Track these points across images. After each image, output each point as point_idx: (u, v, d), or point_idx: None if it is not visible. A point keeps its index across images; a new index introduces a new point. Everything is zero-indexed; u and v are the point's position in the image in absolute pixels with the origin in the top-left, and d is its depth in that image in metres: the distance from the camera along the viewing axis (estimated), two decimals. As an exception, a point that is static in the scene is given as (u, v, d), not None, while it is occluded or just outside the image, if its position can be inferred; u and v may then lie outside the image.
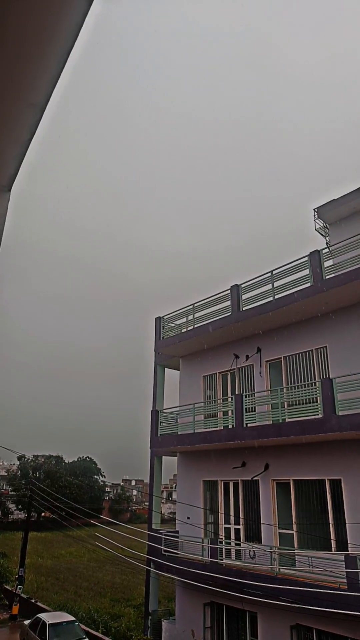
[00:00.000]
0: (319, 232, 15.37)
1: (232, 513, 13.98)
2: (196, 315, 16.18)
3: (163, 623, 15.18)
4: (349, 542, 10.64)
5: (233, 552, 13.44)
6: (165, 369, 18.44)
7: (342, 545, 10.82)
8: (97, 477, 62.16)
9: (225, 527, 14.14)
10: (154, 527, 15.86)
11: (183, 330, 16.69)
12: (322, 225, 15.11)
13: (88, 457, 63.61)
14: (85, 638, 14.87)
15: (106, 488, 65.95)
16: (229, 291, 14.98)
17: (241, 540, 13.39)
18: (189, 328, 16.29)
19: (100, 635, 16.07)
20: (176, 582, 14.89)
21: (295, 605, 10.12)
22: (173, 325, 17.45)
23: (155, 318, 17.89)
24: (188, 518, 14.82)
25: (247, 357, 14.62)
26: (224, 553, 13.19)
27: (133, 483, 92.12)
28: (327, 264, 12.53)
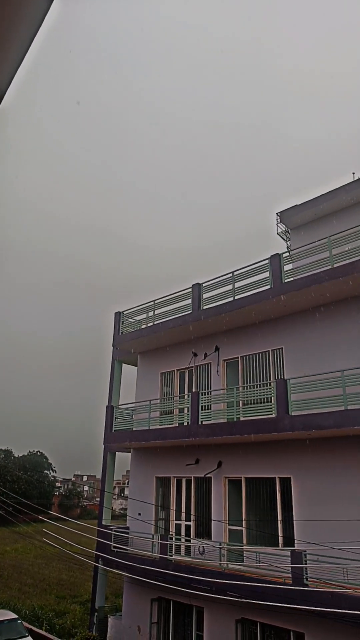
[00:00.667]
0: (281, 236, 15.72)
1: (183, 510, 14.09)
2: (157, 312, 16.16)
3: (109, 619, 15.11)
4: (295, 538, 10.98)
5: (183, 548, 13.55)
6: (123, 364, 18.30)
7: (289, 541, 11.15)
8: (48, 472, 60.98)
9: (176, 524, 14.23)
10: (104, 523, 15.72)
11: (142, 327, 16.62)
12: (283, 229, 15.45)
13: (39, 451, 62.24)
14: (27, 636, 14.55)
15: (57, 483, 64.80)
16: (190, 289, 15.05)
17: (191, 537, 13.53)
18: (149, 324, 16.25)
19: (43, 632, 15.78)
20: (124, 578, 14.85)
21: (242, 599, 10.33)
22: (133, 320, 17.34)
23: (115, 313, 17.71)
24: (139, 514, 14.81)
25: (206, 355, 14.75)
26: (173, 549, 13.27)
27: (85, 479, 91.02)
28: (287, 267, 12.83)
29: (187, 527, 13.89)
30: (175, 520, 14.27)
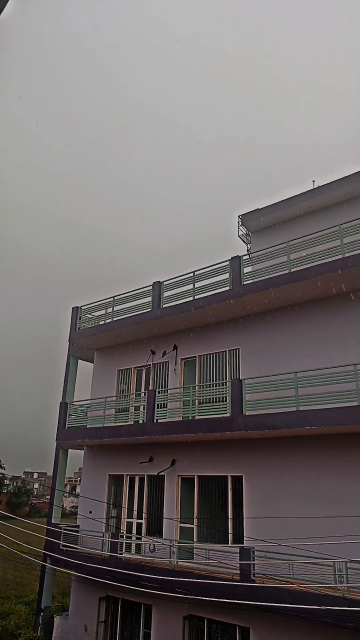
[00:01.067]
0: (241, 239, 15.98)
1: (135, 507, 14.05)
2: (116, 308, 15.99)
3: (55, 619, 14.84)
4: (244, 535, 11.20)
5: (133, 546, 13.52)
6: (79, 360, 18.01)
7: (239, 538, 11.37)
8: (-4, 469, 59.00)
9: (127, 522, 14.17)
10: (54, 521, 15.42)
11: (101, 323, 16.41)
12: (244, 232, 15.71)
13: (-12, 448, 60.08)
14: (-31, 638, 14.05)
15: (5, 481, 62.85)
16: (150, 287, 15.00)
17: (142, 534, 13.51)
18: (107, 321, 16.06)
19: (-14, 634, 15.28)
20: (72, 577, 14.64)
21: (190, 596, 10.42)
22: (90, 316, 17.08)
23: (72, 308, 17.38)
24: (90, 512, 14.63)
25: (164, 353, 14.76)
26: (124, 547, 13.22)
27: (35, 476, 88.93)
28: (246, 270, 13.04)
29: (139, 525, 13.86)
30: (127, 518, 14.21)
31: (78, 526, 14.94)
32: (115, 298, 16.06)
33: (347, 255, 10.97)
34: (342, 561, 8.76)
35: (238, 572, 10.20)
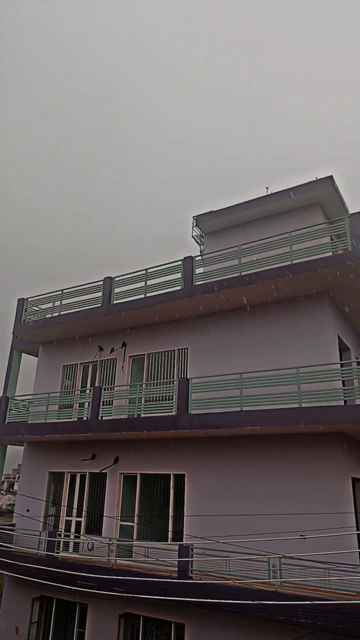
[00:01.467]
0: (195, 240, 16.13)
1: (75, 505, 13.80)
2: (64, 302, 15.62)
3: (-15, 622, 14.27)
4: (184, 533, 11.31)
5: (71, 544, 13.27)
6: (23, 353, 17.44)
7: (179, 536, 11.45)
8: None
9: (66, 520, 13.89)
10: (-12, 520, 14.83)
11: (48, 316, 15.98)
12: (198, 233, 15.87)
13: None
14: None
15: None
16: (101, 282, 14.79)
17: (81, 533, 13.30)
18: (55, 314, 15.67)
19: None
20: (5, 577, 14.15)
21: (127, 594, 10.38)
22: (37, 309, 16.59)
23: (18, 299, 16.81)
24: (28, 510, 14.20)
25: (112, 350, 14.60)
26: (61, 546, 12.94)
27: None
28: (198, 270, 13.18)
29: (78, 524, 13.63)
30: (66, 516, 13.93)
31: (14, 525, 14.47)
32: (64, 292, 15.70)
33: (295, 262, 11.36)
34: (276, 557, 9.07)
35: (176, 569, 10.28)
